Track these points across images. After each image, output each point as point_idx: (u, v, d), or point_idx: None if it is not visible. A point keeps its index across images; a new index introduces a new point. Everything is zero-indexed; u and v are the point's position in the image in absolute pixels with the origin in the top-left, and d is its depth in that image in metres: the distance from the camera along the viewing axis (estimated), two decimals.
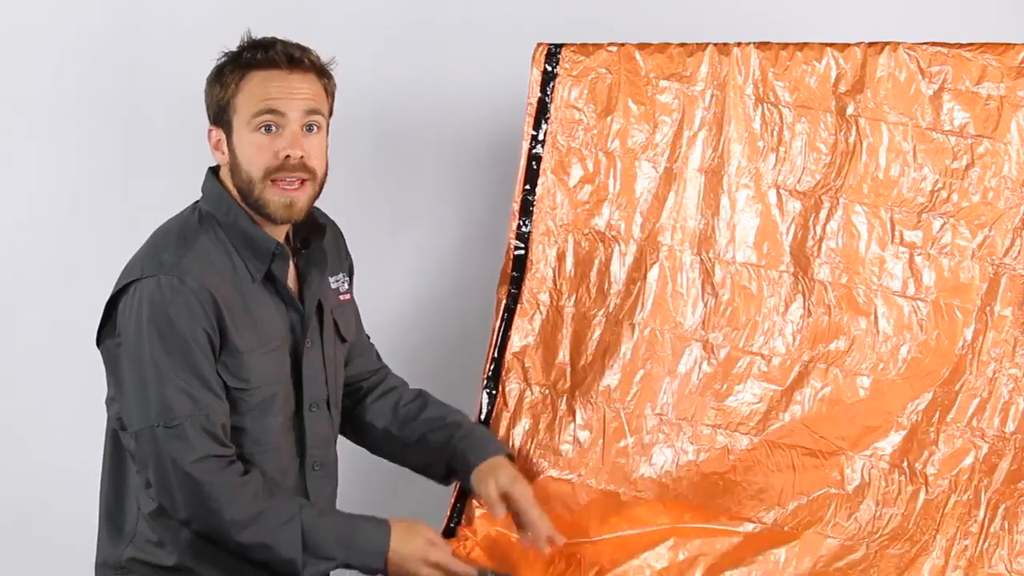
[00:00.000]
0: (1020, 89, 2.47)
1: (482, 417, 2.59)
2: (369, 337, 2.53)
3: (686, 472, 2.55)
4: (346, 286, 2.37)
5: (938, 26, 2.72)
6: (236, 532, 2.07)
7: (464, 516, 2.54)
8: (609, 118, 2.59)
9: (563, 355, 2.58)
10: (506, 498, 2.26)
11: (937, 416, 2.47)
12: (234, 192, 2.18)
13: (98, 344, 2.17)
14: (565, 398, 2.59)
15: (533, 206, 2.61)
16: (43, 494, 3.00)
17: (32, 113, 2.98)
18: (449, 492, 2.55)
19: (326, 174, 2.23)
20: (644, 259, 2.58)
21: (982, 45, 2.49)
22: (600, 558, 2.45)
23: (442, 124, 3.10)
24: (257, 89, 2.13)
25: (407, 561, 2.11)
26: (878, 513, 2.49)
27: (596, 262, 2.58)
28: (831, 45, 2.54)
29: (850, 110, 2.53)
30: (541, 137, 2.60)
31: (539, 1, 3.07)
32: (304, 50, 2.18)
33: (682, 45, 2.59)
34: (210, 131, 2.20)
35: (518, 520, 2.29)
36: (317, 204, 2.40)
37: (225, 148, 2.17)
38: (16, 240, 2.97)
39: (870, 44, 2.53)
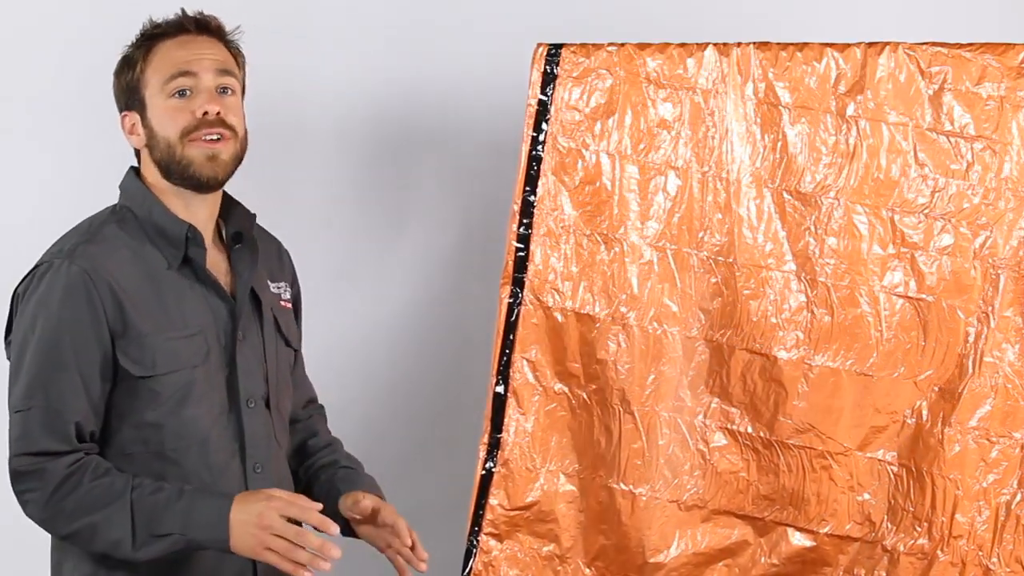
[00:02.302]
0: (1020, 89, 2.47)
1: (492, 420, 2.59)
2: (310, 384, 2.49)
3: (700, 472, 2.57)
4: (288, 295, 2.33)
5: (938, 26, 2.72)
6: (63, 524, 2.01)
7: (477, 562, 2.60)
8: (609, 119, 2.59)
9: (572, 357, 2.59)
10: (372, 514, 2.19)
11: (941, 417, 2.49)
12: (152, 181, 2.16)
13: (5, 342, 2.14)
14: (579, 400, 2.60)
15: (533, 207, 2.60)
16: None
17: (33, 113, 2.97)
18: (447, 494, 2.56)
19: (246, 138, 2.20)
20: (649, 260, 2.58)
21: (982, 45, 2.50)
22: None
23: (442, 124, 3.10)
24: (167, 55, 2.13)
25: (251, 515, 1.95)
26: (890, 513, 2.51)
27: (599, 263, 2.58)
28: (831, 45, 2.54)
29: (850, 111, 2.53)
30: (541, 138, 2.59)
31: (539, 1, 3.07)
32: (213, 17, 2.19)
33: (682, 45, 2.59)
34: (123, 118, 2.18)
35: (374, 520, 2.19)
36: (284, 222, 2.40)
37: (140, 129, 2.15)
38: (17, 240, 2.96)
39: (870, 44, 2.53)
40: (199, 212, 2.18)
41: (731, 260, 2.56)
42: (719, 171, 2.57)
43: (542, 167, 2.60)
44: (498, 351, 2.59)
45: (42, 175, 3.00)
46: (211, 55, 2.14)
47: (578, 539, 2.59)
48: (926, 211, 2.51)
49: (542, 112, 2.60)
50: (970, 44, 2.50)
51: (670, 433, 2.57)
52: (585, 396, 2.59)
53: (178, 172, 2.13)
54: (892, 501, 2.52)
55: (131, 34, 2.97)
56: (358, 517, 2.18)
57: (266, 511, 1.95)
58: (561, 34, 2.69)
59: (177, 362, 2.09)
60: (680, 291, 2.57)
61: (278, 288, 2.31)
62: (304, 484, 2.34)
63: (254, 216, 2.27)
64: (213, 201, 2.21)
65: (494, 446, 2.59)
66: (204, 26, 2.17)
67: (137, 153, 2.21)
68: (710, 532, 2.57)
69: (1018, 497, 2.47)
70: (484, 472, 2.58)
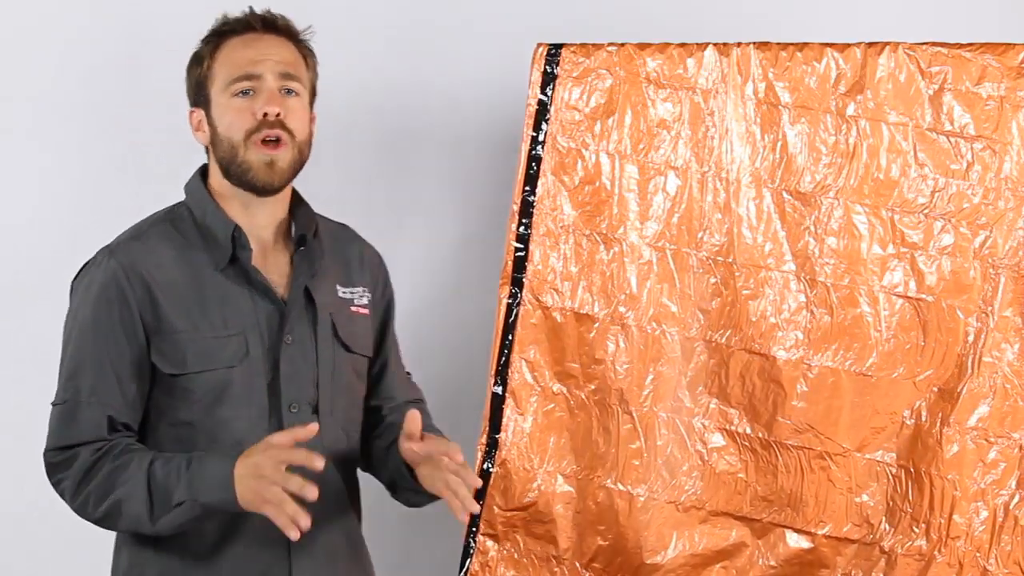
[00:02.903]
0: (1020, 89, 2.48)
1: (490, 421, 2.59)
2: (409, 374, 2.43)
3: (698, 474, 2.57)
4: (365, 300, 2.27)
5: (938, 26, 2.72)
6: (93, 507, 2.03)
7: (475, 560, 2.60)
8: (609, 119, 2.59)
9: (571, 357, 2.59)
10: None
11: (940, 417, 2.48)
12: (214, 181, 2.17)
13: None
14: (577, 400, 2.59)
15: (533, 207, 2.60)
16: (44, 494, 2.99)
17: (33, 113, 2.97)
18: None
19: (308, 144, 2.18)
20: (649, 260, 2.58)
21: (982, 45, 2.50)
22: None
23: (442, 124, 3.10)
24: (233, 54, 2.13)
25: (249, 468, 1.92)
26: (888, 514, 2.51)
27: (598, 263, 2.58)
28: (831, 45, 2.54)
29: (850, 110, 2.53)
30: (541, 138, 2.60)
31: (539, 1, 3.06)
32: (282, 16, 2.18)
33: (682, 45, 2.59)
34: (190, 114, 2.19)
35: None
36: (351, 223, 2.36)
37: (205, 126, 2.16)
38: (17, 240, 2.97)
39: (870, 44, 2.53)
40: (259, 214, 2.17)
41: (730, 260, 2.56)
42: (719, 171, 2.57)
43: (542, 167, 2.61)
44: (496, 351, 2.59)
45: (43, 175, 3.00)
46: (276, 56, 2.13)
47: (575, 540, 2.59)
48: (926, 211, 2.51)
49: (542, 112, 2.60)
50: (970, 44, 2.50)
51: (668, 434, 2.57)
52: (583, 396, 2.59)
53: (237, 175, 2.12)
54: (890, 502, 2.52)
55: (132, 34, 2.98)
56: (414, 447, 2.06)
57: (262, 461, 1.92)
58: (561, 34, 2.69)
59: (210, 362, 2.08)
60: (679, 291, 2.57)
61: (351, 293, 2.25)
62: (383, 449, 2.25)
63: (314, 217, 2.23)
64: (275, 203, 2.18)
65: (492, 446, 2.59)
66: (271, 25, 2.15)
67: (207, 150, 2.21)
68: (708, 533, 2.56)
69: (1016, 498, 2.47)
70: (482, 472, 2.58)
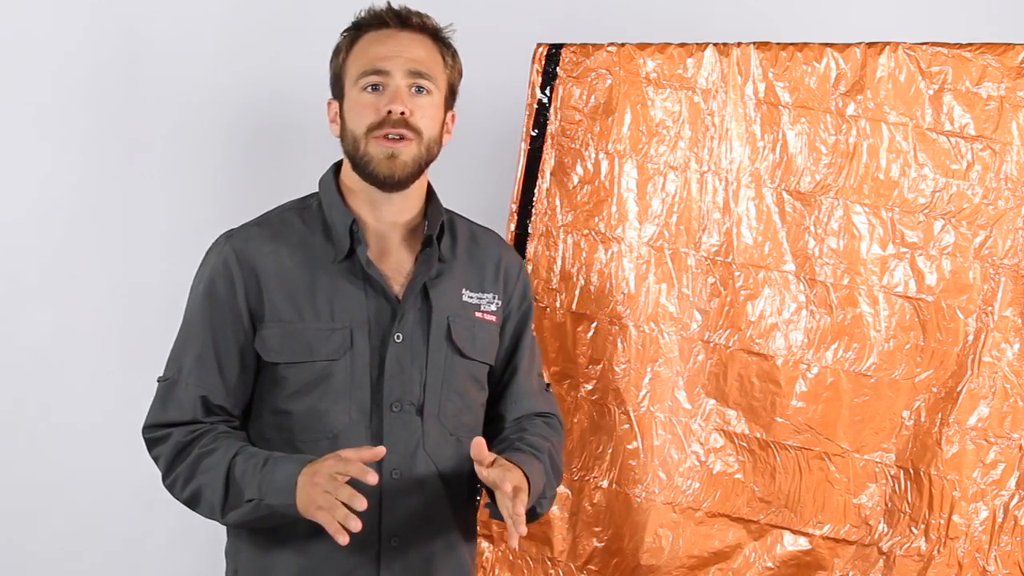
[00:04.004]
0: (1020, 89, 2.48)
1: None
2: (549, 387, 2.36)
3: (696, 474, 2.56)
4: (493, 307, 2.22)
5: (938, 26, 2.72)
6: (179, 489, 2.07)
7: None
8: (609, 119, 2.59)
9: (568, 357, 2.59)
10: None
11: (940, 417, 2.48)
12: (345, 174, 2.17)
13: None
14: (575, 401, 2.59)
15: (532, 207, 2.60)
16: (43, 494, 3.00)
17: (33, 113, 2.97)
18: None
19: (438, 143, 2.17)
20: (647, 260, 2.58)
21: (982, 45, 2.50)
22: None
23: None
24: (366, 49, 2.13)
25: (308, 476, 1.93)
26: (887, 515, 2.51)
27: (597, 263, 2.58)
28: (831, 45, 2.55)
29: (850, 110, 2.53)
30: (541, 138, 2.60)
31: (539, 1, 3.06)
32: (418, 13, 2.18)
33: (682, 45, 2.59)
34: (329, 105, 2.19)
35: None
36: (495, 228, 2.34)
37: (338, 117, 2.16)
38: (17, 240, 2.97)
39: (870, 44, 2.53)
40: (384, 210, 2.16)
41: (729, 260, 2.56)
42: (718, 171, 2.57)
43: (541, 167, 2.61)
44: None
45: (43, 175, 2.99)
46: (407, 54, 2.12)
47: (571, 542, 2.59)
48: (926, 211, 2.51)
49: (542, 112, 2.60)
50: (970, 44, 2.50)
51: (665, 434, 2.57)
52: (581, 397, 2.59)
53: (360, 168, 2.12)
54: (889, 503, 2.51)
55: (132, 34, 2.98)
56: (482, 473, 2.01)
57: (321, 468, 1.92)
58: (561, 34, 2.68)
59: (309, 353, 2.08)
60: (678, 291, 2.57)
61: (479, 298, 2.22)
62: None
63: (441, 217, 2.21)
64: (404, 200, 2.17)
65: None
66: (405, 21, 2.16)
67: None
68: (705, 535, 2.56)
69: (1016, 499, 2.46)
70: None
